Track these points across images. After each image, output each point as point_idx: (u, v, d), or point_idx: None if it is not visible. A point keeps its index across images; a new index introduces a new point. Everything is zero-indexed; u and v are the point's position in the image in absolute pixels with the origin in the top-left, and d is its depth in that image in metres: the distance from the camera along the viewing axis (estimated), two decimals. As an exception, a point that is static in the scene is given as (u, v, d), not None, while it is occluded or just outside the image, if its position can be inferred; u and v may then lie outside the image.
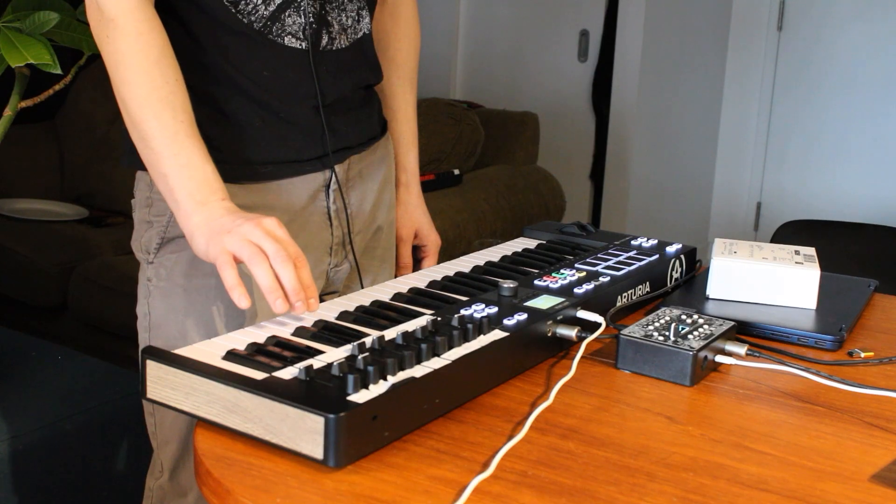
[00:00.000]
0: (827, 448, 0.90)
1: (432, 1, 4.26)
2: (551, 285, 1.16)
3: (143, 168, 1.27)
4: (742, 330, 1.16)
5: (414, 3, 1.52)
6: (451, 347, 0.95)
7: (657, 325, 1.08)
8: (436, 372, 0.90)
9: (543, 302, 1.09)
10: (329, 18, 1.27)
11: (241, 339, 0.97)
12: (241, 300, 1.02)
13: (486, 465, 0.83)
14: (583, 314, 1.10)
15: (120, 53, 1.13)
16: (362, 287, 1.38)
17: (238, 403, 0.85)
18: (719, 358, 1.06)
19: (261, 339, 0.98)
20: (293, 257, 1.04)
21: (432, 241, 1.55)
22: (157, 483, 1.35)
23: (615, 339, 1.06)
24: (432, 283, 1.18)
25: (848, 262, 2.83)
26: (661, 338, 1.04)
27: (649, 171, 4.06)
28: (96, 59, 1.21)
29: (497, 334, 0.99)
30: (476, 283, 1.18)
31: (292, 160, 1.28)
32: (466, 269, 1.25)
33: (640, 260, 1.30)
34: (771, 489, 0.81)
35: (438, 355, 0.93)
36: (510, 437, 0.88)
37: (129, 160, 1.28)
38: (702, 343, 1.03)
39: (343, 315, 1.06)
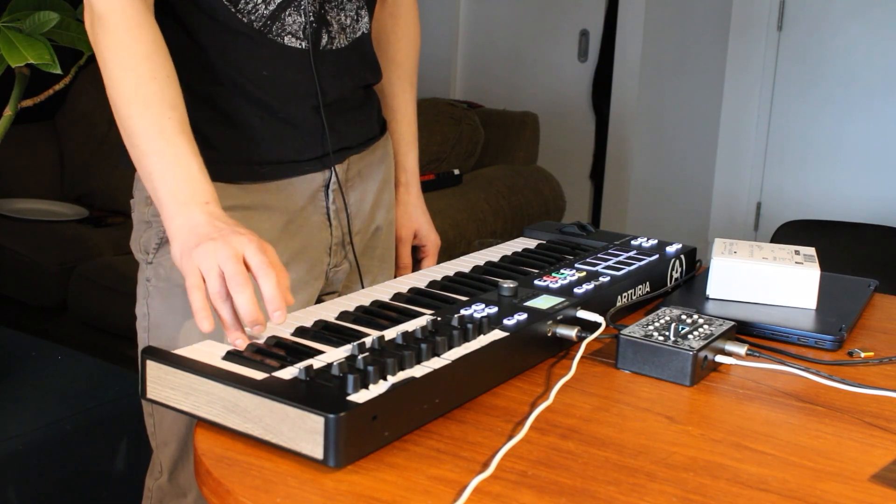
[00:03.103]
0: (827, 448, 0.90)
1: (432, 1, 4.26)
2: (551, 285, 1.16)
3: (143, 168, 1.27)
4: (742, 330, 1.16)
5: (414, 3, 1.52)
6: (451, 347, 0.95)
7: (657, 325, 1.08)
8: (436, 372, 0.90)
9: (543, 302, 1.09)
10: (328, 18, 1.27)
11: (240, 339, 0.97)
12: (203, 323, 0.97)
13: (486, 465, 0.83)
14: (583, 314, 1.10)
15: (109, 50, 1.11)
16: (363, 287, 1.38)
17: (238, 403, 0.85)
18: (719, 358, 1.06)
19: (261, 340, 0.97)
20: (270, 267, 0.98)
21: (432, 241, 1.55)
22: (157, 483, 1.35)
23: (615, 339, 1.06)
24: (432, 283, 1.18)
25: (848, 262, 2.83)
26: (661, 338, 1.04)
27: (649, 171, 4.06)
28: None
29: (497, 334, 0.99)
30: (476, 283, 1.17)
31: (292, 160, 1.28)
32: (466, 269, 1.25)
33: (640, 260, 1.30)
34: (771, 489, 0.81)
35: (438, 355, 0.93)
36: (510, 437, 0.88)
37: (126, 160, 1.28)
38: (702, 343, 1.03)
39: (343, 315, 1.06)
